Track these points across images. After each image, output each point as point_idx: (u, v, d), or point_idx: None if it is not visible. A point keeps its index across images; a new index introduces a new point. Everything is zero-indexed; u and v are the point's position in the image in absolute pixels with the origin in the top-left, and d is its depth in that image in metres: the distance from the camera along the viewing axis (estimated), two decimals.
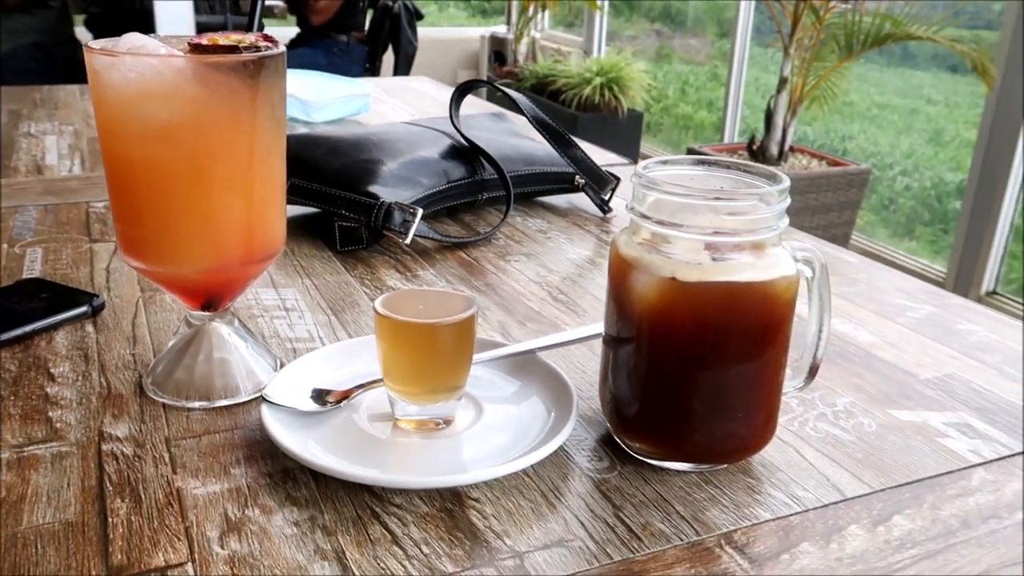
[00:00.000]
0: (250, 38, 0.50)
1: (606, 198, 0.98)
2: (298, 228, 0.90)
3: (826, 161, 3.37)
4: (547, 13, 5.00)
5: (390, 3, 3.43)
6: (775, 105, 3.27)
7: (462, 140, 0.95)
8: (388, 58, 3.64)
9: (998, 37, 2.86)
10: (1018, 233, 3.00)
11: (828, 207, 3.21)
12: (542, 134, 0.92)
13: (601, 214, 0.99)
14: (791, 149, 3.37)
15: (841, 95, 3.50)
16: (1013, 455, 0.55)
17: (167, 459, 0.51)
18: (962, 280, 2.98)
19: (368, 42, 3.53)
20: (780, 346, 0.50)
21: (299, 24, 3.56)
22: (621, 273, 0.50)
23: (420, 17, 3.59)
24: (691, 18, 5.44)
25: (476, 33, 4.96)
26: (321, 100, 1.34)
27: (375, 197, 0.82)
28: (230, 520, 0.46)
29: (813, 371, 0.54)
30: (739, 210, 0.46)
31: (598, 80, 3.93)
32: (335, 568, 0.43)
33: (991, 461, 0.54)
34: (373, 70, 3.60)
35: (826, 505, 0.49)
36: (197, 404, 0.56)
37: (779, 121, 3.28)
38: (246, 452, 0.52)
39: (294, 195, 0.86)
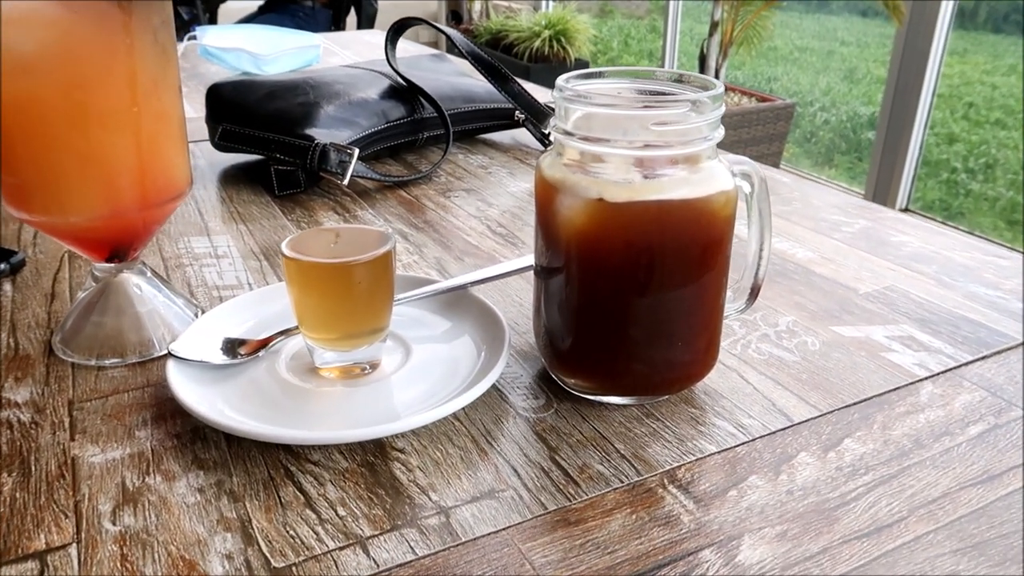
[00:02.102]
0: None
1: (546, 132, 0.88)
2: (237, 176, 0.79)
3: (755, 98, 3.27)
4: None
5: None
6: (707, 48, 3.15)
7: (400, 81, 0.84)
8: (352, 21, 3.44)
9: None
10: (925, 158, 2.97)
11: (758, 140, 3.12)
12: (479, 69, 0.81)
13: (542, 148, 0.89)
14: (724, 88, 3.25)
15: (766, 37, 3.39)
16: (959, 366, 0.47)
17: (66, 424, 0.41)
18: (878, 200, 2.94)
19: (331, 5, 3.32)
20: (720, 267, 0.40)
21: None
22: (546, 197, 0.40)
23: None
24: None
25: (434, 5, 4.73)
26: (271, 53, 1.21)
27: (310, 139, 0.71)
28: (127, 491, 0.36)
29: (755, 292, 0.45)
30: (670, 119, 0.37)
31: (547, 33, 3.76)
32: (238, 541, 0.34)
33: (938, 374, 0.46)
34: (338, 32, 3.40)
35: (773, 432, 0.41)
36: (108, 362, 0.46)
37: (712, 63, 3.16)
38: (155, 412, 0.42)
39: (227, 141, 0.75)
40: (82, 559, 0.33)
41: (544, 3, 4.54)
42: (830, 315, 0.52)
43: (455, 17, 4.67)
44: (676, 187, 0.38)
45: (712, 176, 0.38)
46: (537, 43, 3.77)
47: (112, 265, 0.47)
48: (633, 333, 0.40)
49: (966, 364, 0.47)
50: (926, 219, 2.89)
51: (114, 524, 0.34)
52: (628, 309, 0.40)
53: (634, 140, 0.37)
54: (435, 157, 0.85)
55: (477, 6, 4.43)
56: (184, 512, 0.35)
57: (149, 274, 0.49)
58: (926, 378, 0.46)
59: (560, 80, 0.39)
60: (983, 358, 0.48)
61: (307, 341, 0.43)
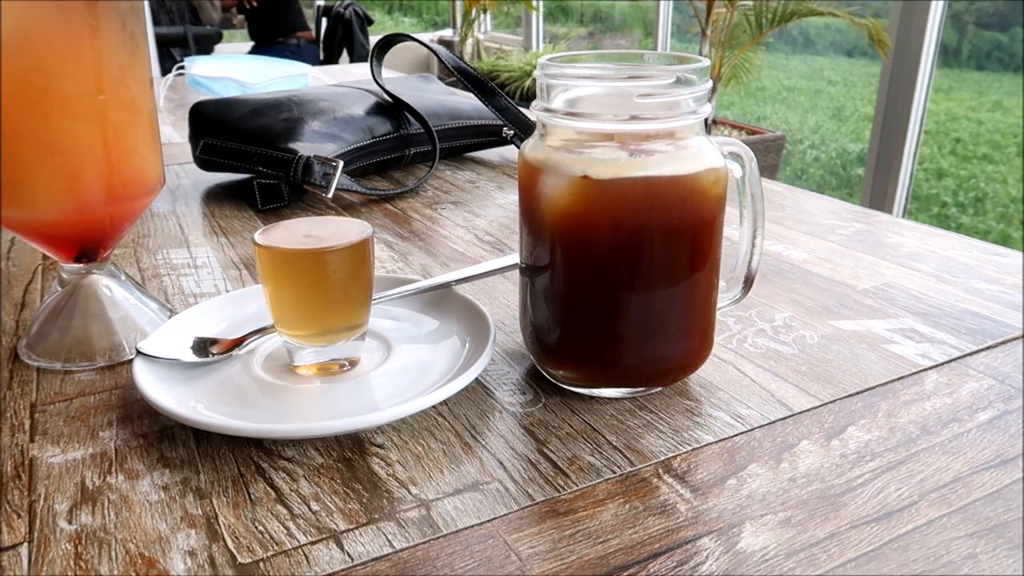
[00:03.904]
0: None
1: None
2: (220, 194, 0.78)
3: (744, 131, 3.29)
4: (488, 16, 4.85)
5: (342, 10, 3.26)
6: None
7: (387, 97, 0.83)
8: (344, 62, 3.49)
9: (886, 24, 2.81)
10: (915, 192, 3.00)
11: None
12: (466, 84, 0.80)
13: None
14: (714, 122, 3.28)
15: (754, 72, 3.44)
16: (963, 356, 0.45)
17: (27, 427, 0.39)
18: None
19: (318, 42, 3.37)
20: (711, 249, 0.39)
21: (251, 35, 3.38)
22: (530, 180, 0.39)
23: (370, 22, 3.43)
24: (618, 20, 5.34)
25: (425, 37, 4.80)
26: (260, 81, 1.21)
27: (294, 152, 0.70)
28: (86, 490, 0.34)
29: (749, 281, 0.44)
30: (656, 91, 0.35)
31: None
32: (202, 537, 0.31)
33: (943, 363, 0.44)
34: None
35: (773, 422, 0.39)
36: (76, 366, 0.44)
37: None
38: (121, 413, 0.40)
39: (209, 155, 0.73)
40: (33, 559, 0.30)
41: (535, 43, 4.60)
42: (828, 311, 0.51)
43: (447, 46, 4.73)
44: (663, 164, 0.36)
45: (700, 153, 0.37)
46: (528, 82, 3.81)
47: (81, 266, 0.45)
48: (622, 319, 0.38)
49: (971, 354, 0.45)
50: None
51: (70, 523, 0.32)
52: (616, 293, 0.38)
53: (619, 114, 0.35)
54: (422, 174, 0.84)
55: (468, 47, 4.49)
56: (146, 510, 0.33)
57: (122, 277, 0.47)
58: (930, 368, 0.44)
59: (542, 60, 0.38)
60: (988, 348, 0.46)
61: (283, 339, 0.41)
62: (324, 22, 3.39)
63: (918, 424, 0.39)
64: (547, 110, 0.37)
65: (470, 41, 4.49)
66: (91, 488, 0.34)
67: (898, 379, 0.43)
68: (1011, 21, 4.70)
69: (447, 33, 5.03)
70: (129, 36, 0.40)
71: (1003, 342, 0.46)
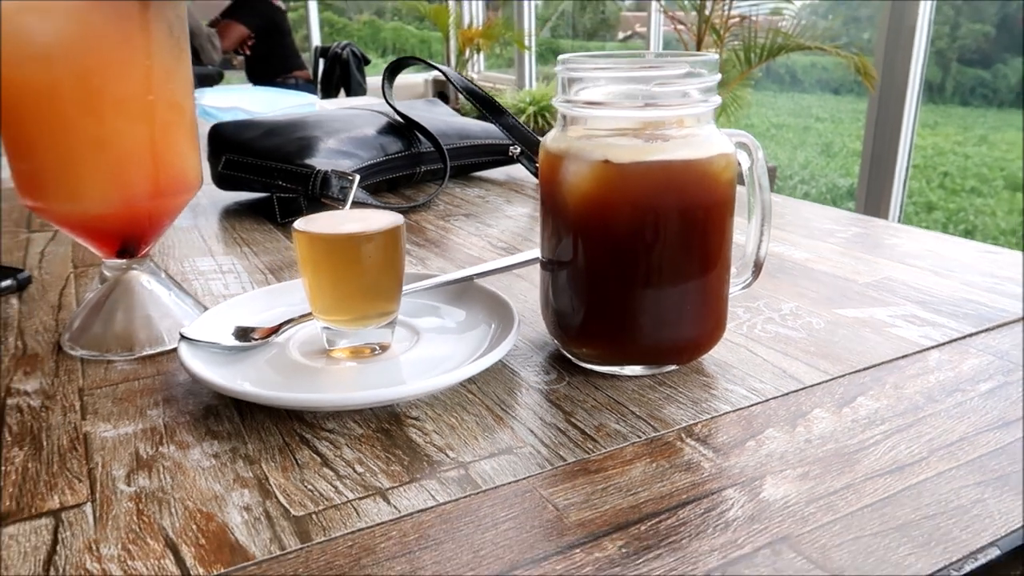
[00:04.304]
0: None
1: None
2: (238, 210, 0.81)
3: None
4: (482, 56, 4.95)
5: (339, 50, 3.34)
6: None
7: (398, 118, 0.87)
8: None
9: (872, 61, 2.89)
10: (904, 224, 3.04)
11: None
12: (474, 103, 0.84)
13: (537, 180, 0.91)
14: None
15: (745, 109, 3.50)
16: (963, 337, 0.47)
17: (77, 408, 0.41)
18: None
19: (315, 82, 3.43)
20: (723, 232, 0.41)
21: (248, 76, 3.44)
22: (552, 170, 0.41)
23: (367, 62, 3.51)
24: None
25: (420, 78, 4.89)
26: (269, 111, 1.25)
27: (311, 167, 0.73)
28: (141, 459, 0.36)
29: (758, 267, 0.46)
30: (670, 80, 0.38)
31: (531, 109, 3.87)
32: (255, 495, 0.33)
33: (944, 343, 0.47)
34: None
35: (786, 394, 0.41)
36: (118, 356, 0.46)
37: None
38: (166, 394, 0.42)
39: (229, 170, 0.76)
40: (97, 515, 0.32)
41: (528, 82, 4.69)
42: (832, 301, 0.53)
43: (441, 98, 4.82)
44: (678, 149, 0.39)
45: (711, 140, 0.40)
46: (522, 119, 3.89)
47: (123, 261, 0.47)
48: (641, 297, 0.41)
49: (971, 335, 0.48)
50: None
51: (129, 486, 0.34)
52: (635, 272, 0.40)
53: (636, 102, 0.38)
54: (432, 191, 0.87)
55: None
56: (199, 474, 0.35)
57: (163, 275, 0.49)
58: (933, 347, 0.46)
59: (564, 56, 0.41)
60: (987, 330, 0.48)
61: (320, 324, 0.43)
62: (321, 63, 3.46)
63: (924, 394, 0.41)
64: (569, 102, 0.40)
65: None
66: (145, 457, 0.36)
67: (902, 357, 0.45)
68: (993, 58, 4.83)
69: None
70: (175, 42, 0.43)
71: (1000, 325, 0.49)
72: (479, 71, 5.10)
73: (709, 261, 0.41)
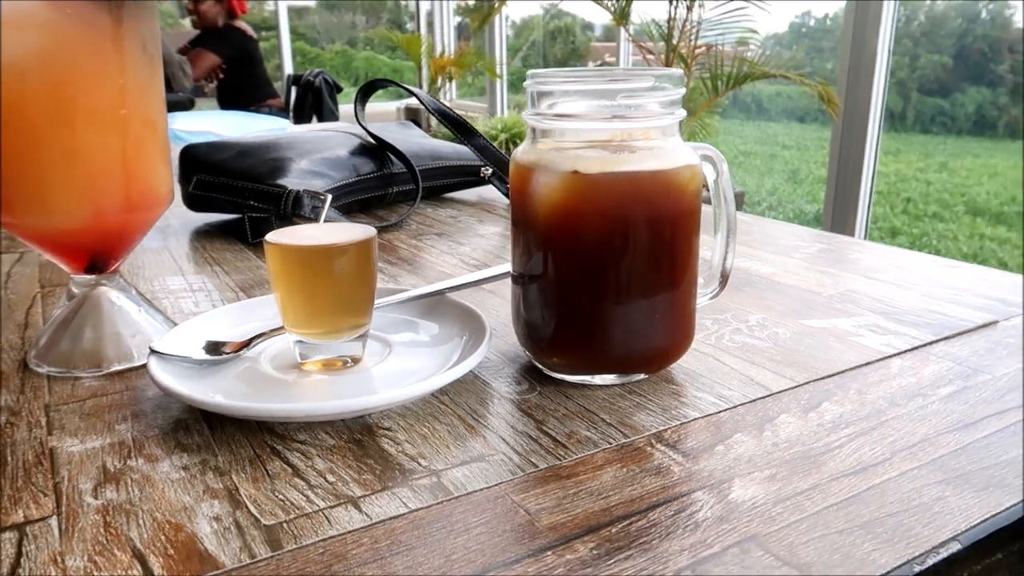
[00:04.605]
0: None
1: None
2: (208, 231, 0.80)
3: (705, 187, 3.40)
4: (454, 84, 5.00)
5: (311, 78, 3.35)
6: None
7: (370, 139, 0.87)
8: None
9: (835, 90, 2.96)
10: None
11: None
12: (446, 125, 0.85)
13: (508, 201, 0.92)
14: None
15: (713, 136, 3.56)
16: (924, 345, 0.49)
17: (43, 423, 0.40)
18: None
19: (287, 109, 3.43)
20: (690, 242, 0.42)
21: (220, 103, 3.44)
22: (522, 181, 0.42)
23: (339, 90, 3.52)
24: None
25: (392, 106, 4.92)
26: (240, 135, 1.25)
27: (283, 187, 0.73)
28: (108, 472, 0.36)
29: (725, 278, 0.47)
30: (637, 92, 0.39)
31: (503, 136, 3.90)
32: (225, 505, 0.33)
33: (906, 351, 0.48)
34: None
35: (753, 400, 0.42)
36: (85, 373, 0.45)
37: None
38: (134, 409, 0.41)
39: (200, 190, 0.76)
40: (63, 528, 0.32)
41: (499, 110, 4.74)
42: (797, 312, 0.54)
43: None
44: (645, 160, 0.40)
45: (677, 152, 0.41)
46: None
47: (91, 277, 0.47)
48: (610, 306, 0.41)
49: (931, 343, 0.49)
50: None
51: (95, 498, 0.34)
52: (605, 281, 0.41)
53: (604, 114, 0.39)
54: (404, 212, 0.87)
55: None
56: (168, 486, 0.34)
57: (134, 292, 0.49)
58: (895, 355, 0.47)
59: (533, 71, 0.42)
60: (946, 338, 0.50)
61: (291, 337, 0.43)
62: (294, 90, 3.47)
63: (886, 399, 0.42)
64: (539, 115, 0.41)
65: None
66: (113, 470, 0.36)
67: (866, 364, 0.46)
68: (951, 88, 4.97)
69: (413, 102, 5.16)
70: (149, 58, 0.43)
71: (959, 333, 0.50)
72: (451, 99, 5.14)
73: (677, 270, 0.42)
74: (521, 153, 0.43)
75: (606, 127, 0.40)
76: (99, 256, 0.46)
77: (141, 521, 0.32)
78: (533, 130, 0.42)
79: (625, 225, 0.40)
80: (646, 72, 0.40)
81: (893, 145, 5.11)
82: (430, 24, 5.57)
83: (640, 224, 0.40)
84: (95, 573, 0.29)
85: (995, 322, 0.52)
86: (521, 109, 4.81)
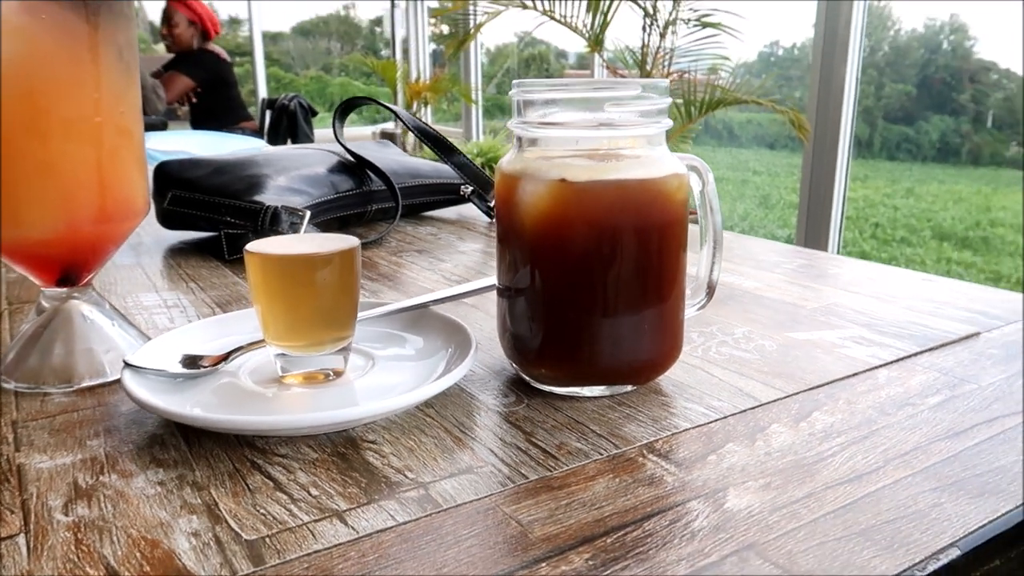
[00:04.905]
0: None
1: (491, 204, 0.91)
2: (183, 249, 0.79)
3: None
4: (429, 109, 5.01)
5: (286, 102, 3.34)
6: None
7: (349, 156, 0.86)
8: None
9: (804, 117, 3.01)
10: None
11: None
12: (425, 142, 0.84)
13: (488, 219, 0.92)
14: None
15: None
16: (910, 356, 0.49)
17: (11, 440, 0.38)
18: None
19: (262, 133, 3.41)
20: (678, 251, 0.42)
21: (193, 126, 3.41)
22: (508, 191, 0.41)
23: (314, 114, 3.52)
24: None
25: (368, 131, 4.91)
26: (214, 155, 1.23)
27: (261, 204, 0.72)
28: (79, 488, 0.34)
29: (711, 289, 0.47)
30: (623, 100, 0.39)
31: (479, 160, 3.92)
32: (204, 521, 0.32)
33: (892, 362, 0.48)
34: None
35: (744, 411, 0.41)
36: (56, 388, 0.44)
37: None
38: (107, 425, 0.40)
39: (175, 206, 0.75)
40: (32, 546, 0.30)
41: (475, 135, 4.76)
42: (782, 325, 0.54)
43: None
44: (633, 168, 0.40)
45: (664, 160, 0.41)
46: None
47: (63, 290, 0.45)
48: (598, 317, 0.41)
49: (916, 354, 0.49)
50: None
51: (66, 515, 0.32)
52: (593, 291, 0.40)
53: (591, 122, 0.39)
54: (383, 229, 0.86)
55: (411, 138, 4.61)
56: (143, 502, 0.33)
57: (108, 307, 0.47)
58: (881, 366, 0.47)
59: (516, 81, 0.42)
60: (931, 349, 0.50)
61: (272, 350, 0.42)
62: (268, 114, 3.46)
63: (876, 408, 0.41)
64: (525, 123, 0.40)
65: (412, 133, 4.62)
66: (84, 486, 0.34)
67: (853, 375, 0.46)
68: (916, 116, 5.08)
69: (389, 126, 5.17)
70: (125, 67, 0.42)
71: (943, 344, 0.50)
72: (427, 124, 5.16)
73: (665, 279, 0.42)
74: (507, 163, 0.42)
75: (593, 135, 0.39)
76: (71, 268, 0.45)
77: (115, 538, 0.30)
78: (519, 139, 0.42)
79: (613, 234, 0.40)
80: (632, 82, 0.40)
81: (861, 171, 5.21)
82: (405, 52, 5.60)
83: (628, 233, 0.40)
84: None
85: (977, 334, 0.52)
86: (496, 134, 4.84)
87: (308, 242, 0.43)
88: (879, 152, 5.27)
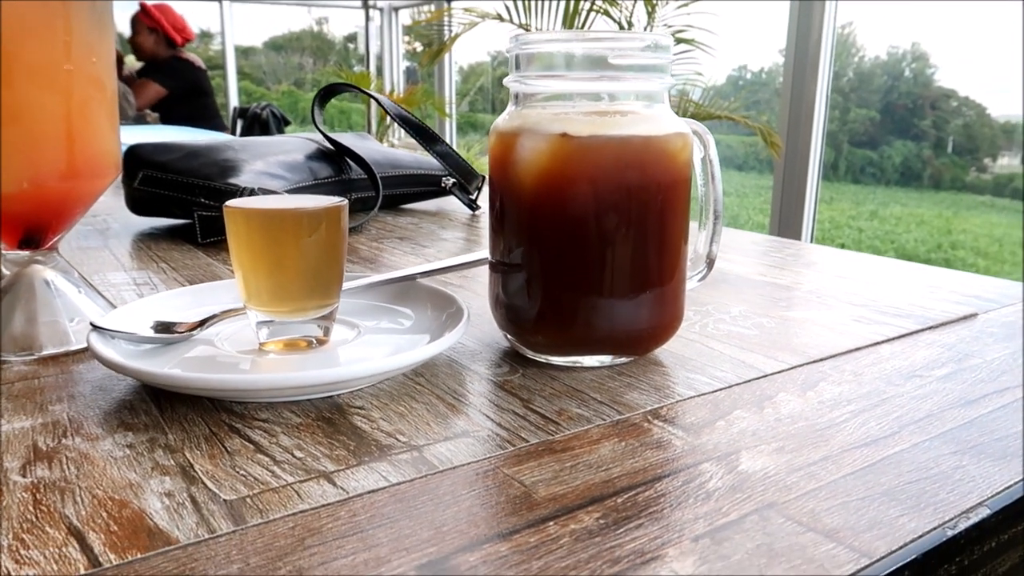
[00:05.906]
0: None
1: (473, 196, 0.89)
2: (154, 233, 0.76)
3: None
4: None
5: (259, 111, 3.29)
6: None
7: (327, 144, 0.84)
8: None
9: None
10: None
11: None
12: (407, 130, 0.82)
13: (470, 212, 0.90)
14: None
15: None
16: (911, 333, 0.47)
17: None
18: None
19: None
20: (680, 213, 0.40)
21: None
22: (504, 150, 0.39)
23: (287, 123, 3.47)
24: None
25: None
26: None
27: (236, 185, 0.69)
28: (39, 451, 0.31)
29: (711, 260, 0.45)
30: (628, 52, 0.37)
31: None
32: (178, 481, 0.29)
33: (894, 338, 0.46)
34: None
35: (748, 380, 0.39)
36: (16, 356, 0.40)
37: None
38: (71, 391, 0.37)
39: (146, 186, 0.71)
40: None
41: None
42: (778, 304, 0.53)
43: None
44: (636, 124, 0.38)
45: (667, 119, 0.39)
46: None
47: (25, 253, 0.42)
48: (598, 280, 0.39)
49: (918, 332, 0.47)
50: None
51: (24, 477, 0.29)
52: (593, 253, 0.38)
53: (592, 74, 0.37)
54: (363, 218, 0.84)
55: (389, 138, 4.58)
56: (111, 464, 0.30)
57: (76, 275, 0.44)
58: (883, 341, 0.46)
59: (516, 34, 0.40)
60: (931, 328, 0.48)
61: (252, 315, 0.39)
62: (240, 123, 3.41)
63: (883, 379, 0.40)
64: (523, 76, 0.38)
65: (386, 144, 4.59)
66: (45, 449, 0.31)
67: (856, 349, 0.44)
68: (879, 141, 5.18)
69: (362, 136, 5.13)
70: (98, 17, 0.40)
71: (943, 324, 0.49)
72: (400, 137, 5.14)
73: (667, 244, 0.40)
74: (503, 122, 0.40)
75: (594, 87, 0.37)
76: (35, 228, 0.42)
77: (78, 498, 0.28)
78: (516, 96, 0.40)
79: (616, 192, 0.38)
80: (635, 35, 0.38)
81: (827, 194, 5.28)
82: (379, 68, 5.58)
83: (631, 191, 0.38)
84: (23, 551, 0.25)
85: (975, 314, 0.51)
86: (471, 148, 4.84)
87: (292, 201, 0.40)
88: (844, 175, 5.35)
